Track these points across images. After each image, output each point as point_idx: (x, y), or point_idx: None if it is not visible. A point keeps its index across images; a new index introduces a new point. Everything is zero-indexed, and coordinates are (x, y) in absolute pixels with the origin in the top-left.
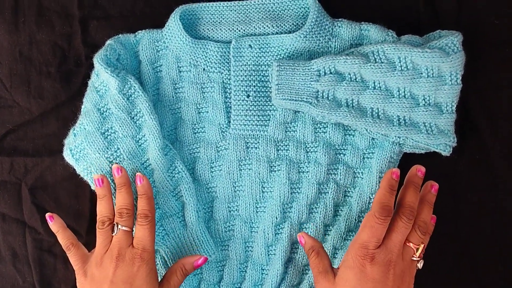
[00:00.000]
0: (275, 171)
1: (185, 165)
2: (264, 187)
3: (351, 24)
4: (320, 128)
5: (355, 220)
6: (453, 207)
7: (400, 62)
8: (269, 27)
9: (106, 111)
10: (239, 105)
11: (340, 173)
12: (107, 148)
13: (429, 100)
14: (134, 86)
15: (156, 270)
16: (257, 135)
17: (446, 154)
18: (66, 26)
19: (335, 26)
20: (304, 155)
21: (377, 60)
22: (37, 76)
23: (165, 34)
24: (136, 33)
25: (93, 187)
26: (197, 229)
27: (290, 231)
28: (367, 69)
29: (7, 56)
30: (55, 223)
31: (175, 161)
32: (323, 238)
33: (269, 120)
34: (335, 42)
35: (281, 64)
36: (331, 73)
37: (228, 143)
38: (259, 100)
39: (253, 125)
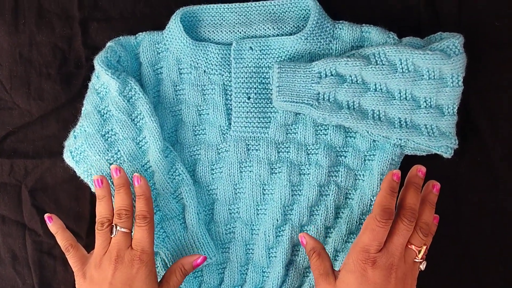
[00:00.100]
0: (276, 173)
1: (186, 167)
2: (265, 189)
3: (352, 26)
4: (321, 130)
5: (356, 222)
6: (454, 209)
7: (401, 64)
8: (270, 29)
9: (106, 113)
10: (239, 107)
11: (341, 175)
12: (108, 150)
13: (430, 102)
14: (135, 88)
15: (155, 272)
16: (258, 137)
17: (447, 156)
18: (66, 28)
19: (336, 28)
20: (305, 157)
21: (378, 62)
22: (37, 78)
23: (165, 36)
24: (137, 35)
25: (93, 189)
26: (197, 231)
27: (291, 233)
28: (368, 71)
29: (7, 58)
30: (54, 224)
31: (176, 163)
32: (324, 241)
33: (270, 122)
34: (336, 44)
35: (282, 66)
36: (332, 75)
37: (229, 145)
38: (260, 102)
39: (254, 127)
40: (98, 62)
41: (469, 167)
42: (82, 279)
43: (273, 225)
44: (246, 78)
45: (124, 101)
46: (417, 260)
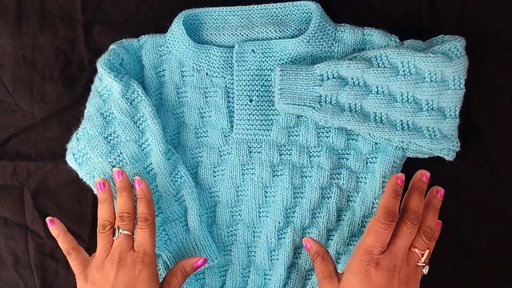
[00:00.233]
0: (278, 175)
1: (188, 170)
2: (267, 192)
3: (354, 29)
4: (323, 132)
5: (358, 225)
6: (456, 211)
7: (403, 66)
8: (272, 32)
9: (109, 115)
10: (242, 109)
11: (343, 177)
12: (110, 153)
13: (432, 104)
14: (137, 91)
15: (157, 273)
16: (260, 139)
17: (449, 159)
18: (69, 31)
19: (338, 31)
20: (307, 160)
21: (380, 64)
22: (40, 80)
23: (168, 39)
24: (139, 37)
25: (95, 192)
26: (199, 234)
27: (293, 236)
28: (370, 73)
29: (10, 60)
30: (55, 227)
31: (178, 165)
32: (326, 243)
33: (272, 124)
34: (338, 46)
35: (284, 68)
36: (334, 77)
37: (231, 148)
38: (262, 104)
39: (256, 129)
40: (101, 64)
41: (471, 169)
42: (84, 282)
43: (275, 228)
44: (248, 80)
45: (126, 103)
46: (420, 264)
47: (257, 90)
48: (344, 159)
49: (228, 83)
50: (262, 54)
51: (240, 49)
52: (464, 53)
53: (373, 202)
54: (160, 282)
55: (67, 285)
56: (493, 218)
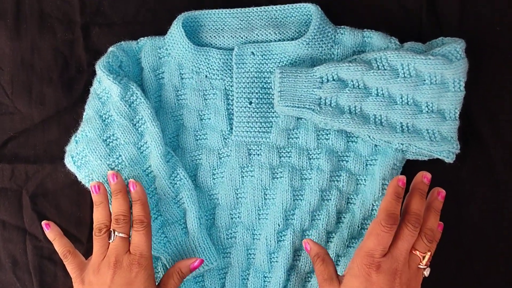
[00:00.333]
0: (278, 178)
1: (187, 172)
2: (266, 194)
3: (354, 31)
4: (323, 135)
5: (358, 227)
6: (456, 214)
7: (403, 69)
8: (271, 34)
9: (108, 118)
10: (241, 112)
11: (343, 180)
12: (109, 155)
13: (432, 107)
14: (136, 93)
15: (154, 276)
16: (260, 142)
17: (449, 161)
18: (68, 33)
19: (337, 33)
20: (306, 162)
21: (380, 67)
22: (38, 82)
23: (167, 41)
24: (139, 40)
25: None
26: (199, 236)
27: (292, 238)
28: (370, 76)
29: (9, 63)
30: (51, 231)
31: (177, 168)
32: (326, 245)
33: (271, 127)
34: (338, 49)
35: (283, 71)
36: (333, 80)
37: (230, 150)
38: (261, 107)
39: (255, 132)
40: (99, 67)
41: (471, 171)
42: (81, 285)
43: (274, 230)
44: (248, 83)
45: (125, 106)
46: (421, 266)
47: (256, 93)
48: (343, 161)
49: (228, 86)
50: (262, 57)
51: (240, 51)
52: (464, 55)
53: (373, 204)
54: (157, 284)
55: None
56: (493, 220)
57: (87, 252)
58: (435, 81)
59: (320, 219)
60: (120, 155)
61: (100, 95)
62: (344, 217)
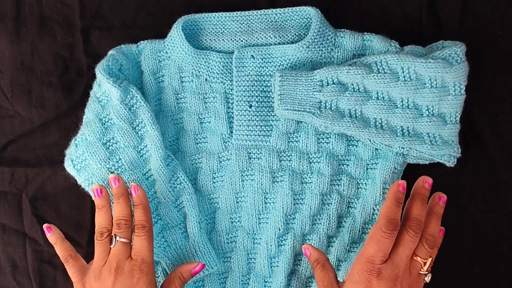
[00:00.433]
0: (278, 182)
1: (187, 176)
2: (266, 198)
3: (354, 34)
4: (323, 138)
5: (359, 231)
6: (458, 218)
7: (403, 72)
8: (271, 38)
9: (108, 121)
10: (241, 115)
11: (344, 184)
12: (109, 159)
13: (432, 110)
14: (136, 96)
15: (155, 281)
16: (260, 145)
17: (450, 165)
18: (68, 36)
19: (337, 37)
20: (307, 166)
21: (380, 70)
22: (38, 86)
23: (167, 45)
24: (139, 43)
25: (93, 198)
26: (199, 241)
27: (293, 243)
28: (370, 79)
29: (9, 66)
30: (53, 234)
31: (177, 171)
32: (326, 250)
33: (271, 130)
34: (338, 52)
35: (283, 74)
36: (334, 83)
37: (231, 154)
38: (261, 110)
39: (255, 135)
40: (99, 70)
41: (472, 175)
42: None
43: (275, 234)
44: (248, 86)
45: (125, 109)
46: (422, 272)
47: (256, 96)
48: (344, 165)
49: (228, 89)
50: (262, 60)
51: (240, 54)
52: (465, 58)
53: (373, 208)
54: None
55: None
56: (495, 224)
57: (87, 256)
58: (436, 84)
59: (320, 223)
60: (120, 159)
61: (100, 98)
62: (345, 221)
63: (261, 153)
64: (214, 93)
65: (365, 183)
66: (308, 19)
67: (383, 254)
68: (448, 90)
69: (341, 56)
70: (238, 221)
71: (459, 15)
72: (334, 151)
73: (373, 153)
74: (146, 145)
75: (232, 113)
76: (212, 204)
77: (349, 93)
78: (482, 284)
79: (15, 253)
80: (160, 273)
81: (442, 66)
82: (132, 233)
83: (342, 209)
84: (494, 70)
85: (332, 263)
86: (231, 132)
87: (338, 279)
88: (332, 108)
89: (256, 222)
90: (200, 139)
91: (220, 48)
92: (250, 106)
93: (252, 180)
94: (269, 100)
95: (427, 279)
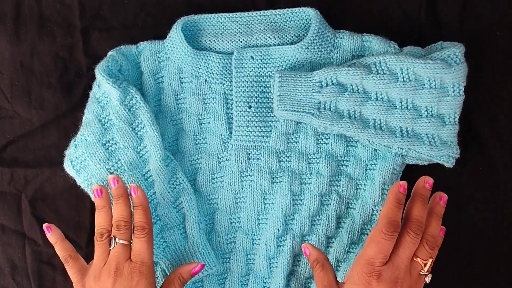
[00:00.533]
0: (277, 182)
1: (187, 177)
2: (266, 199)
3: (353, 35)
4: (322, 139)
5: (358, 232)
6: (457, 219)
7: (402, 73)
8: (270, 38)
9: (107, 122)
10: (240, 116)
11: (343, 184)
12: (108, 159)
13: (431, 111)
14: (136, 97)
15: (155, 283)
16: (259, 146)
17: (449, 166)
18: (67, 37)
19: (337, 38)
20: (306, 167)
21: (379, 71)
22: (38, 86)
23: (167, 45)
24: (138, 44)
25: (93, 199)
26: (198, 241)
27: (292, 243)
28: (369, 80)
29: (8, 67)
30: (53, 234)
31: (177, 172)
32: (325, 251)
33: (271, 131)
34: (337, 53)
35: (282, 75)
36: (333, 84)
37: (230, 154)
38: (260, 111)
39: (254, 136)
40: (99, 71)
41: (471, 176)
42: None
43: (274, 235)
44: (247, 87)
45: (125, 110)
46: (422, 273)
47: (256, 97)
48: (343, 166)
49: (227, 90)
50: (261, 61)
51: (239, 55)
52: (464, 59)
53: (372, 209)
54: None
55: None
56: (494, 224)
57: (86, 257)
58: (435, 85)
59: (319, 224)
60: (119, 159)
61: (100, 99)
62: (344, 222)
63: (260, 153)
64: (214, 94)
65: (364, 184)
66: (307, 20)
67: (384, 256)
68: (447, 91)
69: (340, 57)
70: (237, 221)
71: (459, 16)
72: (333, 151)
73: (372, 154)
74: (146, 146)
75: (232, 114)
76: (211, 205)
77: (348, 94)
78: (482, 284)
79: (14, 253)
80: (159, 274)
81: (441, 67)
82: (131, 235)
83: (341, 210)
84: (494, 70)
85: (331, 264)
86: (231, 133)
87: (338, 280)
88: (331, 109)
89: (255, 223)
90: (200, 139)
91: (219, 49)
92: (250, 107)
93: (251, 180)
94: (268, 101)
95: (427, 279)
